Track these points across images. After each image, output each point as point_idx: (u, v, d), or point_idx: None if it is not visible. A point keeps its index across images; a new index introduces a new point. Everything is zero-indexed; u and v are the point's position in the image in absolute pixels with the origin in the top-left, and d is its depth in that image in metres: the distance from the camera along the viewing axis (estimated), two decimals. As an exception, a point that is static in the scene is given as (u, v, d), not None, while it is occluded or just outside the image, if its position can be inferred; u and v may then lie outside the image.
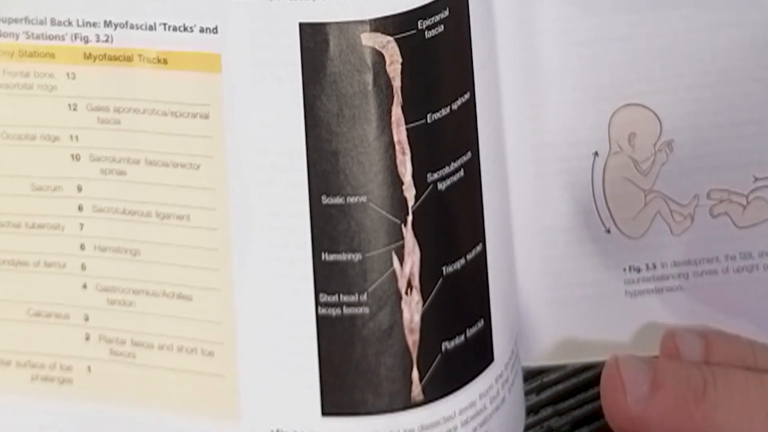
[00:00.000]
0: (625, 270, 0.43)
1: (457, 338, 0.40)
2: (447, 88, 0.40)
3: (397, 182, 0.39)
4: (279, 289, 0.39)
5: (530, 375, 0.44)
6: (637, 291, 0.43)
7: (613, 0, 0.42)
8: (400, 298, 0.39)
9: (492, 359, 0.41)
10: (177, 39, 0.40)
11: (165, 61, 0.40)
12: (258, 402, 0.40)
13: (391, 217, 0.39)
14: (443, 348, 0.39)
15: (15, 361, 0.41)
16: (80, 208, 0.41)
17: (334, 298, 0.39)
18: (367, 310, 0.39)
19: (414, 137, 0.39)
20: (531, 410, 0.44)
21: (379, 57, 0.39)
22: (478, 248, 0.40)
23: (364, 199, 0.39)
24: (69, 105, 0.41)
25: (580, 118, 0.42)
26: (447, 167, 0.40)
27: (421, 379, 0.39)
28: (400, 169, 0.39)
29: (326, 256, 0.39)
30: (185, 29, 0.40)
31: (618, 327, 0.43)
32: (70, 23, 0.40)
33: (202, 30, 0.40)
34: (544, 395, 0.45)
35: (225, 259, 0.40)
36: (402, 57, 0.39)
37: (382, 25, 0.39)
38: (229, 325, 0.40)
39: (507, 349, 0.41)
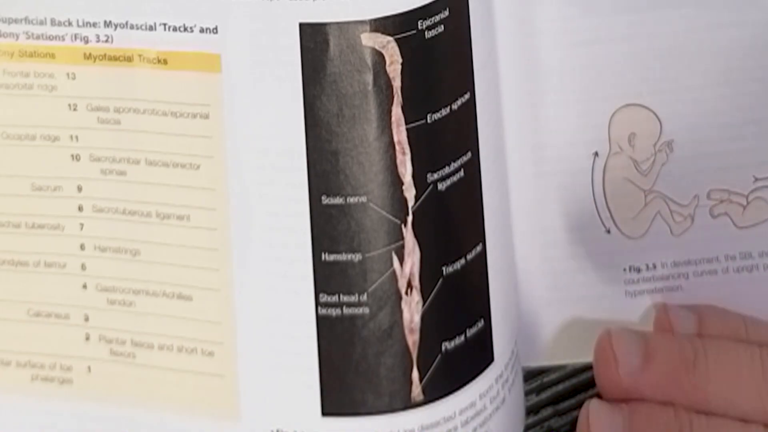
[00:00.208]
0: (625, 270, 0.43)
1: (457, 338, 0.40)
2: (447, 88, 0.40)
3: (397, 182, 0.39)
4: (279, 289, 0.39)
5: (530, 375, 0.44)
6: (637, 291, 0.43)
7: (613, 0, 0.42)
8: (400, 298, 0.39)
9: (492, 359, 0.41)
10: (177, 39, 0.40)
11: (165, 61, 0.40)
12: (258, 402, 0.40)
13: (391, 217, 0.39)
14: (443, 348, 0.39)
15: (15, 361, 0.41)
16: (80, 208, 0.41)
17: (334, 298, 0.39)
18: (367, 310, 0.39)
19: (414, 137, 0.39)
20: (531, 410, 0.44)
21: (379, 57, 0.39)
22: (478, 248, 0.40)
23: (364, 199, 0.39)
24: (69, 105, 0.41)
25: (580, 118, 0.42)
26: (447, 167, 0.40)
27: (421, 380, 0.39)
28: (400, 169, 0.39)
29: (326, 256, 0.39)
30: (185, 29, 0.40)
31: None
32: (70, 23, 0.40)
33: (202, 30, 0.40)
34: (544, 395, 0.45)
35: (225, 259, 0.40)
36: (402, 57, 0.39)
37: (382, 25, 0.39)
38: (229, 325, 0.40)
39: (507, 349, 0.41)
